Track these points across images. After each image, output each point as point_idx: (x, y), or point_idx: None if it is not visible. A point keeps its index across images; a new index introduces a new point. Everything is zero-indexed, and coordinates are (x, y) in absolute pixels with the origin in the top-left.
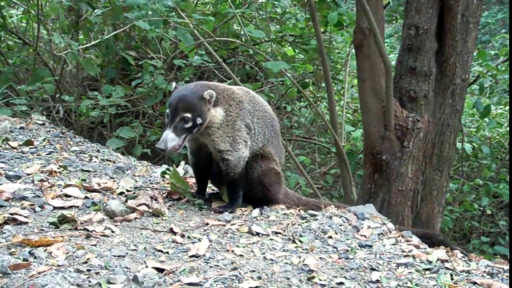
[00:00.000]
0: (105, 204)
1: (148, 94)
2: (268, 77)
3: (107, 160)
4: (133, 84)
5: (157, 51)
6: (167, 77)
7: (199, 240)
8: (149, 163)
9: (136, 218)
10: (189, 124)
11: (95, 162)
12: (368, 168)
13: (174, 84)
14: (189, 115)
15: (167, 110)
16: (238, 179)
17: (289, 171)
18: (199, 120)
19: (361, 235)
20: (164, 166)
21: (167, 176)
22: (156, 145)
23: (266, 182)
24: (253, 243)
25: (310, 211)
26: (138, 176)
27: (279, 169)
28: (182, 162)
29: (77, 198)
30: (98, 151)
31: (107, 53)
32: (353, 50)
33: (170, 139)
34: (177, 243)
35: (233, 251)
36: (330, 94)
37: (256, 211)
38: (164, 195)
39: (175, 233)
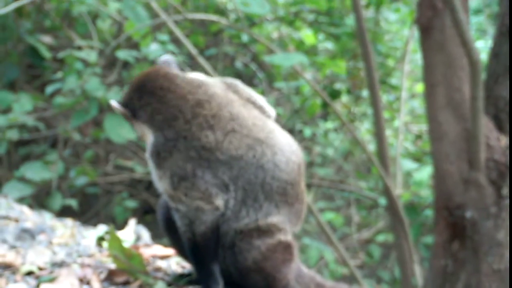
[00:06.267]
0: None
1: (73, 108)
2: (273, 81)
3: (4, 217)
4: (47, 90)
5: (89, 35)
6: (105, 78)
7: None
8: (76, 222)
9: None
10: None
11: None
12: (442, 233)
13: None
14: None
15: None
16: (203, 244)
17: (307, 236)
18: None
19: None
20: (102, 228)
21: (106, 243)
22: None
23: (269, 268)
24: None
25: None
26: (58, 244)
27: (289, 237)
28: (132, 221)
29: None
30: None
31: (4, 38)
32: (416, 35)
33: None
34: None
35: None
36: (377, 108)
37: None
38: (103, 275)
39: None
